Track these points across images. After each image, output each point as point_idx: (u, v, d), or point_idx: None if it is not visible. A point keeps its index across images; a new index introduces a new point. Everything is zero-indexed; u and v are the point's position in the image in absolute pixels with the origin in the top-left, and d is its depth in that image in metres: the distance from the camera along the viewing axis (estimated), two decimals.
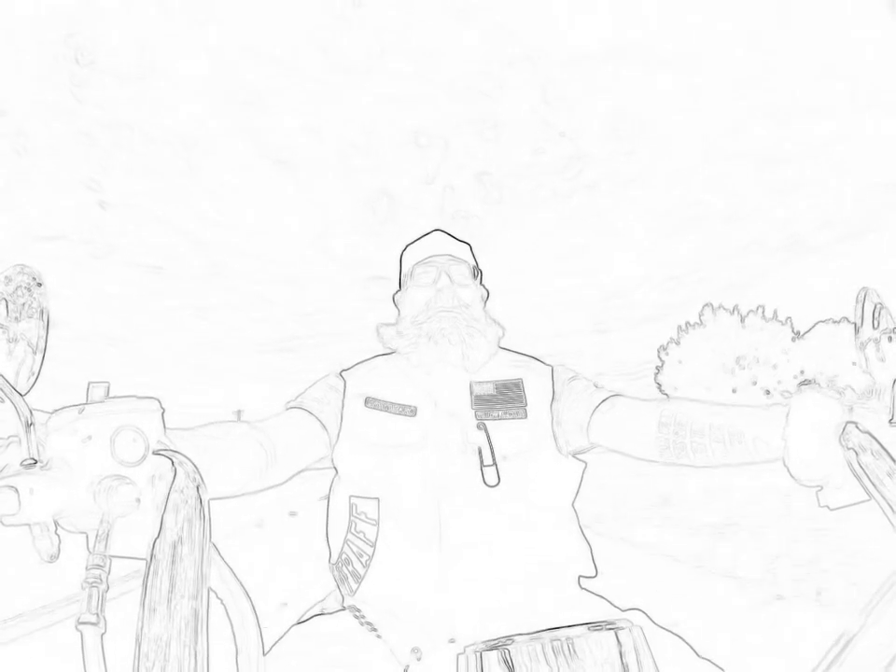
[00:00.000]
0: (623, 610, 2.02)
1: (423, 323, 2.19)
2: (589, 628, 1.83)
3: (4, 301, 1.76)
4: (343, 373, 2.23)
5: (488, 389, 2.16)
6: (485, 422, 2.11)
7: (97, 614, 1.70)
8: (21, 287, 1.77)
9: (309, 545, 2.37)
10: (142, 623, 1.74)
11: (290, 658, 1.91)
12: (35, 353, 1.77)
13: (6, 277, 1.77)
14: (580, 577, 2.09)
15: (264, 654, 1.85)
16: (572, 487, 2.14)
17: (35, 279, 1.78)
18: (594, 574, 2.10)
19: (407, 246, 2.36)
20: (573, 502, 2.14)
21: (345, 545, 2.08)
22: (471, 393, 2.15)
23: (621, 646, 1.80)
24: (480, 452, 2.08)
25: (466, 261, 2.30)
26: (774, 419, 1.91)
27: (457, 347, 2.16)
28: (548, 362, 2.25)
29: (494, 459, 2.07)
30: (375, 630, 2.00)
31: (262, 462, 2.04)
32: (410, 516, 2.05)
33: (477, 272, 2.31)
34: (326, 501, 2.17)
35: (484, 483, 2.05)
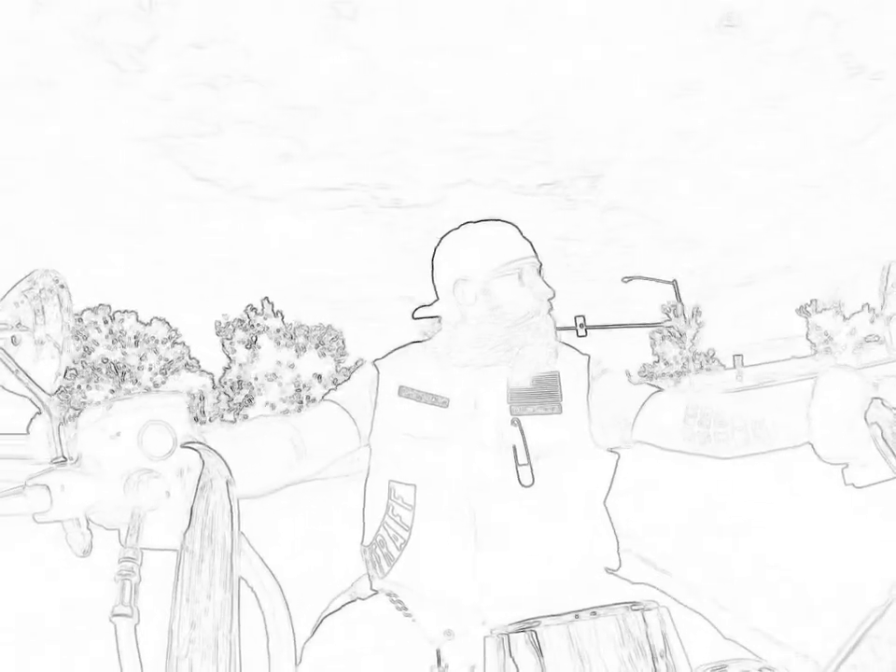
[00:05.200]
0: (634, 583, 2.03)
1: (525, 329, 2.13)
2: (615, 609, 1.83)
3: (29, 305, 1.80)
4: (377, 363, 2.23)
5: (525, 383, 2.14)
6: (520, 418, 2.10)
7: (130, 606, 1.75)
8: (44, 289, 1.81)
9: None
10: (174, 612, 1.78)
11: (324, 647, 1.95)
12: (60, 353, 1.81)
13: (29, 280, 1.81)
14: (605, 567, 2.10)
15: (296, 648, 1.90)
16: (606, 480, 2.13)
17: (57, 281, 1.82)
18: (617, 567, 2.10)
19: (483, 233, 2.21)
20: (607, 495, 2.13)
21: (381, 527, 2.10)
22: (507, 386, 2.13)
23: (647, 626, 1.81)
24: (514, 450, 2.07)
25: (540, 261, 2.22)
26: (794, 404, 1.90)
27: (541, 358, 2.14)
28: (583, 352, 2.21)
29: (528, 458, 2.06)
30: (407, 612, 2.03)
31: (292, 458, 2.07)
32: (445, 505, 2.06)
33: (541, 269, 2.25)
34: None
35: (519, 482, 2.05)
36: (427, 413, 2.12)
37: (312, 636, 2.00)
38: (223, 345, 2.62)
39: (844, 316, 2.68)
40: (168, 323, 2.65)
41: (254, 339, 2.60)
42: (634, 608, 1.84)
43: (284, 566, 2.02)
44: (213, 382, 2.69)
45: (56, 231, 2.74)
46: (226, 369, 2.68)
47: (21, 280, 1.84)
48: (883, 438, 1.77)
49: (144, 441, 1.85)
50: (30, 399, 1.80)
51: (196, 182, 2.83)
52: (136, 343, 2.63)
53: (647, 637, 1.80)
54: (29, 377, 1.77)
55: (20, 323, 1.80)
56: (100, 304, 2.62)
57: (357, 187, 2.88)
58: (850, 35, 2.84)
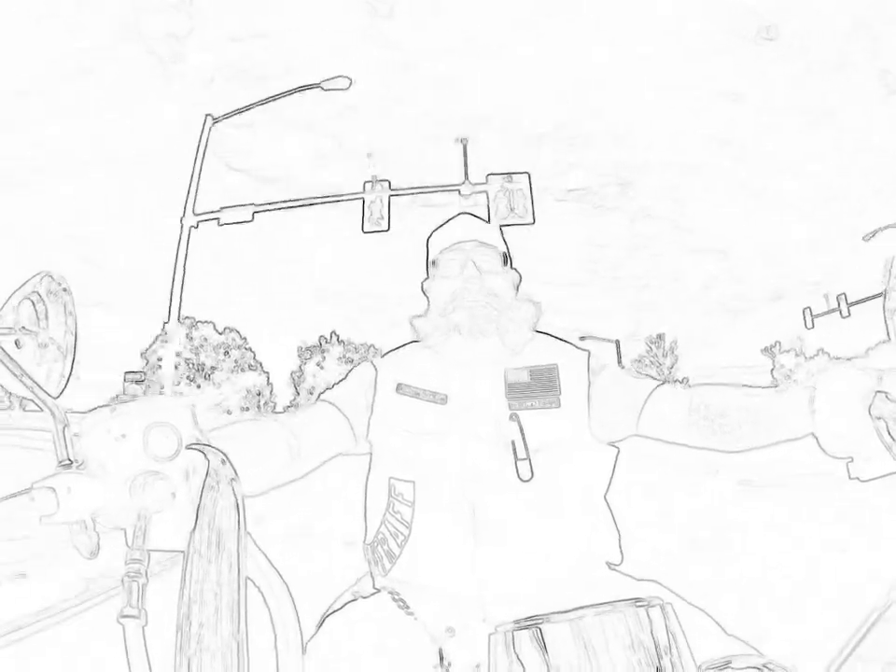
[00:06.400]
0: (638, 580, 2.04)
1: (450, 314, 2.16)
2: (618, 606, 1.84)
3: (32, 308, 1.80)
4: (376, 362, 2.24)
5: (522, 377, 2.12)
6: (518, 413, 2.09)
7: (138, 608, 1.76)
8: (48, 292, 1.81)
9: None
10: (182, 612, 1.79)
11: (327, 646, 1.95)
12: (64, 356, 1.82)
13: (32, 284, 1.81)
14: (606, 563, 2.10)
15: (303, 647, 1.90)
16: (606, 475, 2.13)
17: (60, 284, 1.82)
18: (619, 561, 2.10)
19: (433, 232, 2.31)
20: (607, 489, 2.13)
21: (382, 525, 2.11)
22: (505, 381, 2.13)
23: (651, 623, 1.81)
24: (513, 445, 2.07)
25: (494, 246, 2.24)
26: (797, 397, 1.91)
27: (491, 338, 2.13)
28: (583, 348, 2.20)
29: (527, 453, 2.06)
30: (409, 610, 2.03)
31: (287, 459, 2.07)
32: (444, 501, 2.06)
33: (507, 256, 2.26)
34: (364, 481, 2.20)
35: (518, 477, 2.05)
36: (425, 410, 2.12)
37: (315, 634, 2.01)
38: (302, 364, 3.06)
39: (805, 357, 2.77)
40: (238, 331, 3.01)
41: (323, 359, 3.10)
42: (638, 604, 1.84)
43: (291, 564, 2.03)
44: (267, 379, 3.06)
45: (93, 214, 2.80)
46: (296, 375, 3.09)
47: (25, 283, 1.84)
48: (888, 431, 1.77)
49: (149, 442, 1.86)
50: (34, 402, 1.81)
51: (231, 172, 2.89)
52: (213, 349, 2.98)
53: (651, 633, 1.81)
54: (33, 380, 1.77)
55: (23, 326, 1.80)
56: (186, 317, 2.95)
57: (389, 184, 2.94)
58: (890, 50, 2.83)
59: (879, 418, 1.79)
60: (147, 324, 2.92)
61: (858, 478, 1.85)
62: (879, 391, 1.81)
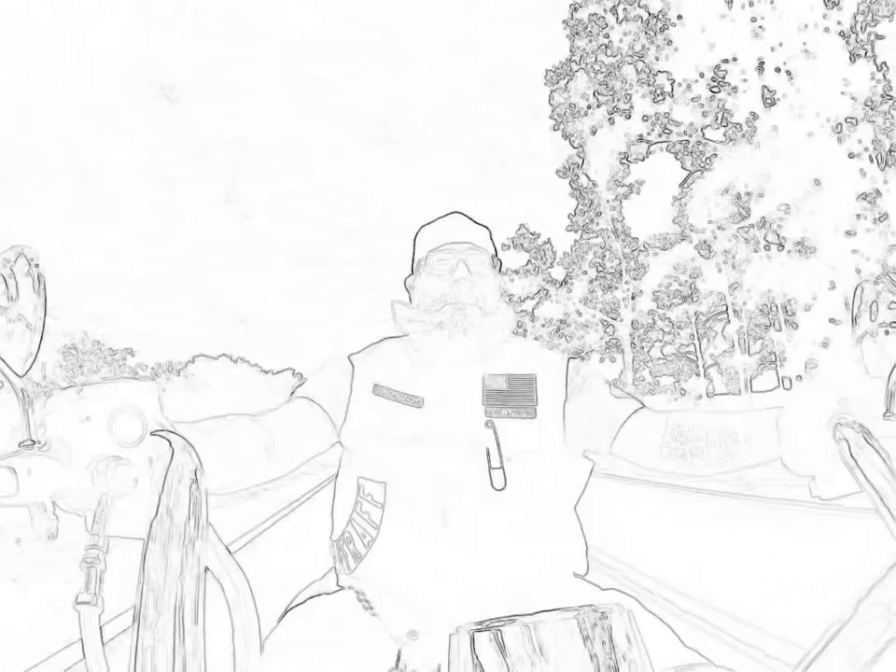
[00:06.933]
0: (603, 589, 2.05)
1: (436, 312, 2.14)
2: (579, 611, 1.84)
3: (3, 283, 1.75)
4: (353, 357, 2.19)
5: (500, 384, 2.11)
6: (494, 420, 2.08)
7: (95, 594, 1.72)
8: (19, 268, 1.77)
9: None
10: (140, 602, 1.76)
11: (286, 640, 1.93)
12: (33, 334, 1.77)
13: (3, 259, 1.77)
14: (573, 572, 2.11)
15: (261, 642, 1.87)
16: (579, 487, 2.13)
17: (32, 260, 1.78)
18: (585, 572, 2.11)
19: (422, 228, 2.27)
20: (578, 500, 2.14)
21: (349, 524, 2.08)
22: (483, 386, 2.12)
23: (612, 630, 1.82)
24: (487, 452, 2.06)
25: (485, 249, 2.23)
26: (764, 419, 1.94)
27: (472, 339, 2.11)
28: (562, 354, 2.18)
29: (501, 462, 2.05)
30: (373, 610, 2.01)
31: (260, 457, 2.03)
32: (415, 505, 2.04)
33: (496, 260, 2.24)
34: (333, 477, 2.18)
35: (492, 485, 2.04)
36: (400, 413, 2.10)
37: (275, 628, 1.98)
38: None
39: None
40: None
41: None
42: (599, 609, 1.85)
43: (251, 557, 2.00)
44: None
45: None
46: None
47: None
48: (850, 453, 1.81)
49: (114, 426, 1.82)
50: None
51: None
52: None
53: (610, 639, 1.82)
54: (0, 358, 1.73)
55: None
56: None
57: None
58: None
59: (842, 440, 1.83)
60: None
61: (819, 497, 1.89)
62: (843, 414, 1.86)
